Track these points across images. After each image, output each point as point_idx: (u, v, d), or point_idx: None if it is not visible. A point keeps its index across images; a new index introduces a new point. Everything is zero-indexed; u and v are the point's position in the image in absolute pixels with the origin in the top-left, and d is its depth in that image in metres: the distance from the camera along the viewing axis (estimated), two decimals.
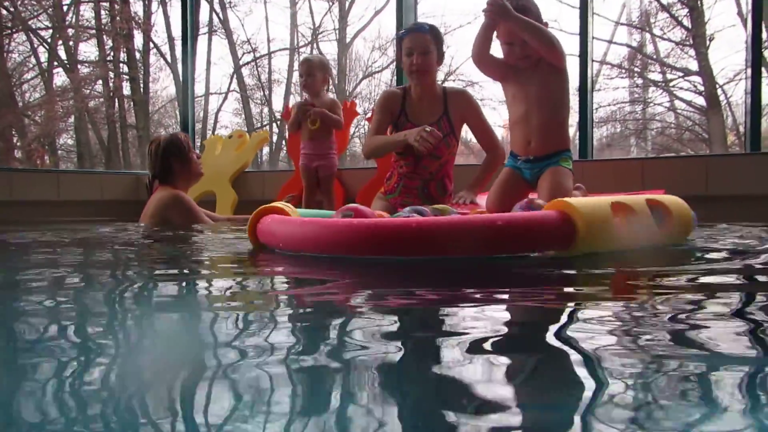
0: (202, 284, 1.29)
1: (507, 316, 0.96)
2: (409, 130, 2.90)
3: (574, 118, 3.99)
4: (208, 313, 0.97)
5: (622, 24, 9.69)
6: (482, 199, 2.80)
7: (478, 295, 1.10)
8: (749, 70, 3.29)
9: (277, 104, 11.90)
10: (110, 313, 0.98)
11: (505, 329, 0.84)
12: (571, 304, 1.04)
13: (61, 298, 1.11)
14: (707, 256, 1.60)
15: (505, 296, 1.11)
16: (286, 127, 3.93)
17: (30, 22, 11.50)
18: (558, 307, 0.99)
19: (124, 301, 1.08)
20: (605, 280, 1.29)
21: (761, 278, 1.26)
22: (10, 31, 11.06)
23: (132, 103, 12.13)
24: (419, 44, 2.95)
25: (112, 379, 0.63)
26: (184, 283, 1.31)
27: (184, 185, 3.22)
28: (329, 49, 11.54)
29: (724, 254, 1.61)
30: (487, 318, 0.89)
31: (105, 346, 0.76)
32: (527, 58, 2.49)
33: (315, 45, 11.48)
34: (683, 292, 1.07)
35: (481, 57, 2.59)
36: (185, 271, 1.53)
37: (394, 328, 0.86)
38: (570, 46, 3.83)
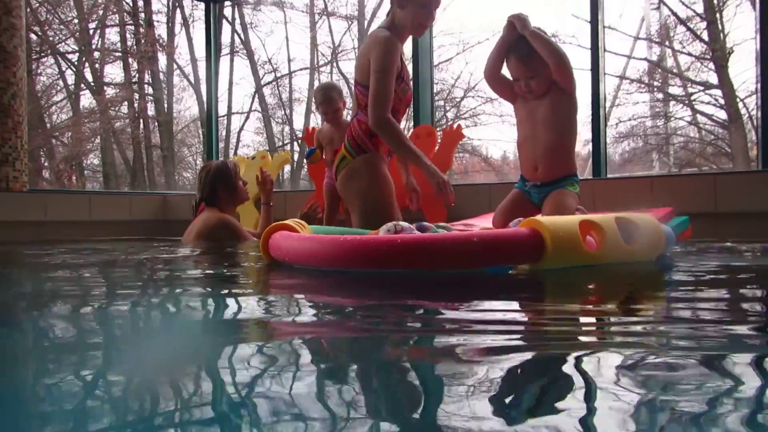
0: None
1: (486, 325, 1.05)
2: (433, 168, 2.73)
3: (586, 135, 4.05)
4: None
5: (640, 39, 9.73)
6: (488, 219, 2.87)
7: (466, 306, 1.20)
8: (759, 85, 3.32)
9: (298, 123, 12.10)
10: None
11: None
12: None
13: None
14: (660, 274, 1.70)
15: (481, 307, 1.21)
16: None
17: (58, 46, 11.88)
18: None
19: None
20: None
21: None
22: (38, 55, 11.43)
23: (157, 123, 12.43)
24: (440, 2, 2.82)
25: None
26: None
27: (229, 208, 3.40)
28: (349, 68, 11.74)
29: (680, 273, 1.70)
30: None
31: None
32: (531, 92, 2.56)
33: (335, 64, 11.70)
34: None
35: (493, 75, 2.66)
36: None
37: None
38: (586, 60, 3.90)
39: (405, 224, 1.86)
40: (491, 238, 1.60)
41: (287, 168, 10.58)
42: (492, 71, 2.66)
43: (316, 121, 11.32)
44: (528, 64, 2.53)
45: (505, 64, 2.66)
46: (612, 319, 1.09)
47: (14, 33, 4.03)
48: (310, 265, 1.80)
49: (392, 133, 2.74)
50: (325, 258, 1.72)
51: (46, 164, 11.73)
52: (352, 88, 2.99)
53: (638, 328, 0.98)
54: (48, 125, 11.87)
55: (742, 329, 0.95)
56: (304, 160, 3.52)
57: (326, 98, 3.73)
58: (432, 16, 2.82)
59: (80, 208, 4.27)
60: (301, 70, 12.05)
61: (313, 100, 4.68)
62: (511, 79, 2.66)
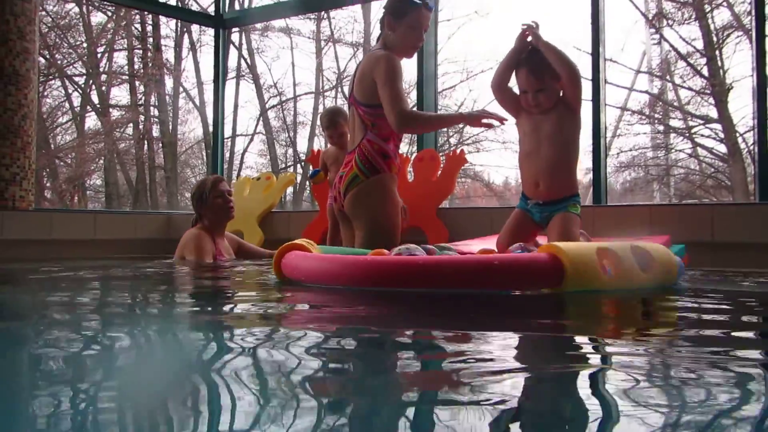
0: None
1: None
2: (466, 112, 2.91)
3: (587, 164, 4.11)
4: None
5: (642, 72, 9.85)
6: (486, 241, 2.91)
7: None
8: (756, 121, 3.39)
9: (302, 146, 12.21)
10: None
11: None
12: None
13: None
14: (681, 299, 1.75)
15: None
16: None
17: (65, 69, 12.04)
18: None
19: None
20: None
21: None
22: (46, 78, 11.57)
23: (161, 144, 12.53)
24: (428, 24, 2.91)
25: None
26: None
27: (213, 224, 3.46)
28: None
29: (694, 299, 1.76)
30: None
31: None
32: (538, 106, 2.56)
33: (339, 89, 11.84)
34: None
35: (501, 86, 2.66)
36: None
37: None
38: (587, 91, 3.97)
39: (415, 247, 1.92)
40: (512, 262, 1.67)
41: (289, 189, 10.63)
42: (500, 82, 2.66)
43: (320, 144, 11.43)
44: (538, 77, 2.53)
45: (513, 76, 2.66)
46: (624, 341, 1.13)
47: (27, 56, 4.12)
48: (330, 284, 1.83)
49: (418, 120, 2.83)
50: (350, 278, 1.77)
51: (48, 184, 11.80)
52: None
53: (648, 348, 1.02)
54: (52, 146, 11.96)
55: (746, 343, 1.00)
56: (308, 181, 3.56)
57: (332, 122, 3.81)
58: (421, 37, 2.89)
59: (85, 227, 4.31)
60: (306, 94, 12.19)
61: (319, 123, 4.75)
62: (517, 92, 2.66)
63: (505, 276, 1.62)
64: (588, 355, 0.99)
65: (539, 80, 2.53)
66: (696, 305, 1.61)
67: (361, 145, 2.93)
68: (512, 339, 1.13)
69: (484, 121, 2.83)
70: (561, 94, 2.59)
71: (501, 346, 1.04)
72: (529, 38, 2.60)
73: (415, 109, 2.77)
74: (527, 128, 2.64)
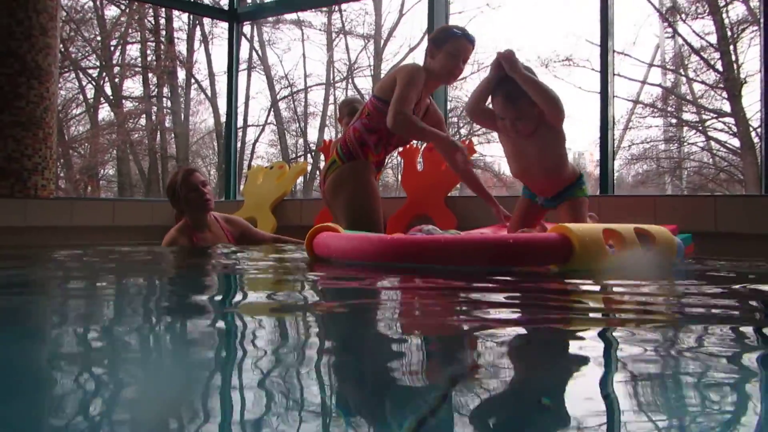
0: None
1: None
2: (454, 140, 2.87)
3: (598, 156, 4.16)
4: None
5: (655, 65, 9.82)
6: (496, 230, 3.01)
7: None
8: (763, 115, 3.43)
9: (312, 136, 12.30)
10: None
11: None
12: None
13: None
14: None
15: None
16: None
17: (80, 62, 12.18)
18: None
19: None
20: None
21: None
22: (60, 71, 11.68)
23: (173, 135, 12.66)
24: (469, 55, 2.98)
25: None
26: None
27: (190, 217, 3.28)
28: (364, 85, 11.93)
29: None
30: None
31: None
32: (518, 134, 2.49)
33: (350, 80, 11.90)
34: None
35: (476, 112, 2.59)
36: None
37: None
38: (596, 83, 4.03)
39: (434, 228, 2.04)
40: (525, 241, 1.80)
41: (299, 179, 10.72)
42: (475, 108, 2.58)
43: (330, 134, 11.51)
44: (515, 105, 2.43)
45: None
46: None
47: (49, 52, 4.24)
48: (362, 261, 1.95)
49: (408, 124, 2.79)
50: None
51: (62, 174, 11.96)
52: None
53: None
54: (66, 137, 12.11)
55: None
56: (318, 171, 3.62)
57: (353, 110, 3.88)
58: (459, 66, 2.94)
59: (104, 214, 4.44)
60: (316, 85, 12.26)
61: (337, 113, 4.83)
62: (492, 110, 2.56)
63: (519, 253, 1.74)
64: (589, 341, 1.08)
65: (516, 109, 2.43)
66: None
67: (347, 132, 3.07)
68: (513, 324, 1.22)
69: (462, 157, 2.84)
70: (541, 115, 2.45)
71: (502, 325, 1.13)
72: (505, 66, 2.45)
73: (411, 115, 2.82)
74: (510, 150, 2.59)
